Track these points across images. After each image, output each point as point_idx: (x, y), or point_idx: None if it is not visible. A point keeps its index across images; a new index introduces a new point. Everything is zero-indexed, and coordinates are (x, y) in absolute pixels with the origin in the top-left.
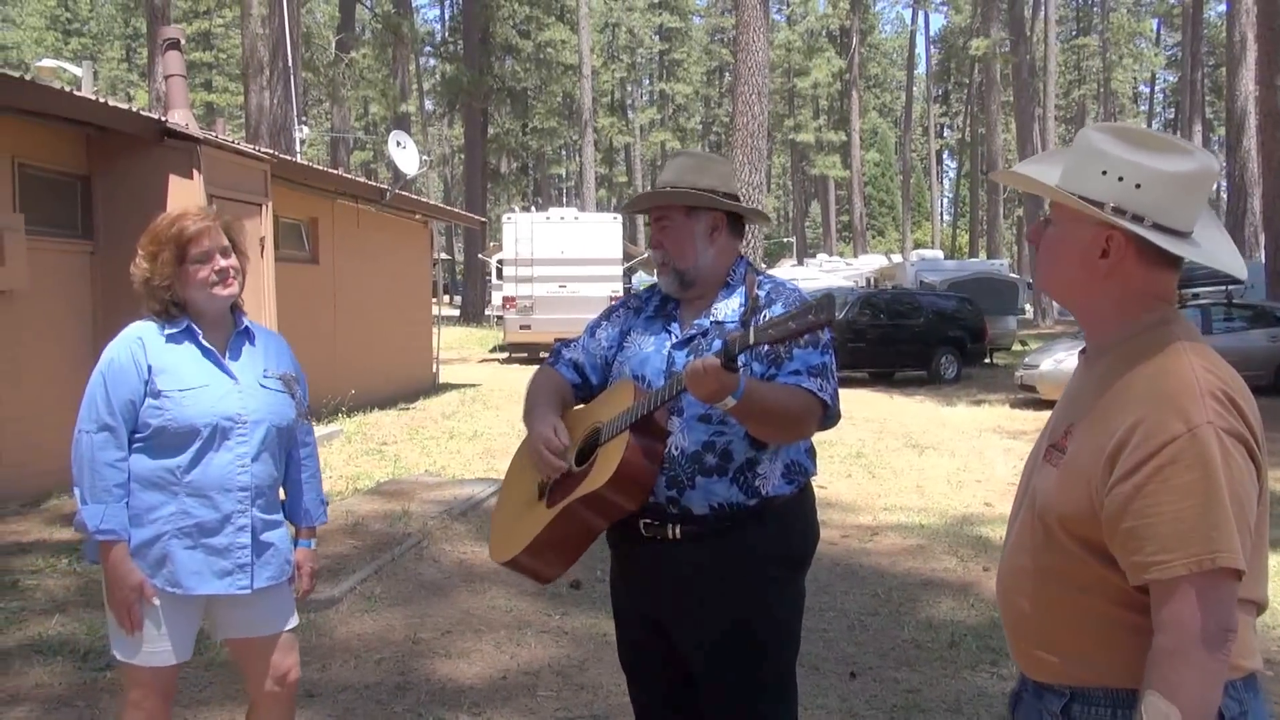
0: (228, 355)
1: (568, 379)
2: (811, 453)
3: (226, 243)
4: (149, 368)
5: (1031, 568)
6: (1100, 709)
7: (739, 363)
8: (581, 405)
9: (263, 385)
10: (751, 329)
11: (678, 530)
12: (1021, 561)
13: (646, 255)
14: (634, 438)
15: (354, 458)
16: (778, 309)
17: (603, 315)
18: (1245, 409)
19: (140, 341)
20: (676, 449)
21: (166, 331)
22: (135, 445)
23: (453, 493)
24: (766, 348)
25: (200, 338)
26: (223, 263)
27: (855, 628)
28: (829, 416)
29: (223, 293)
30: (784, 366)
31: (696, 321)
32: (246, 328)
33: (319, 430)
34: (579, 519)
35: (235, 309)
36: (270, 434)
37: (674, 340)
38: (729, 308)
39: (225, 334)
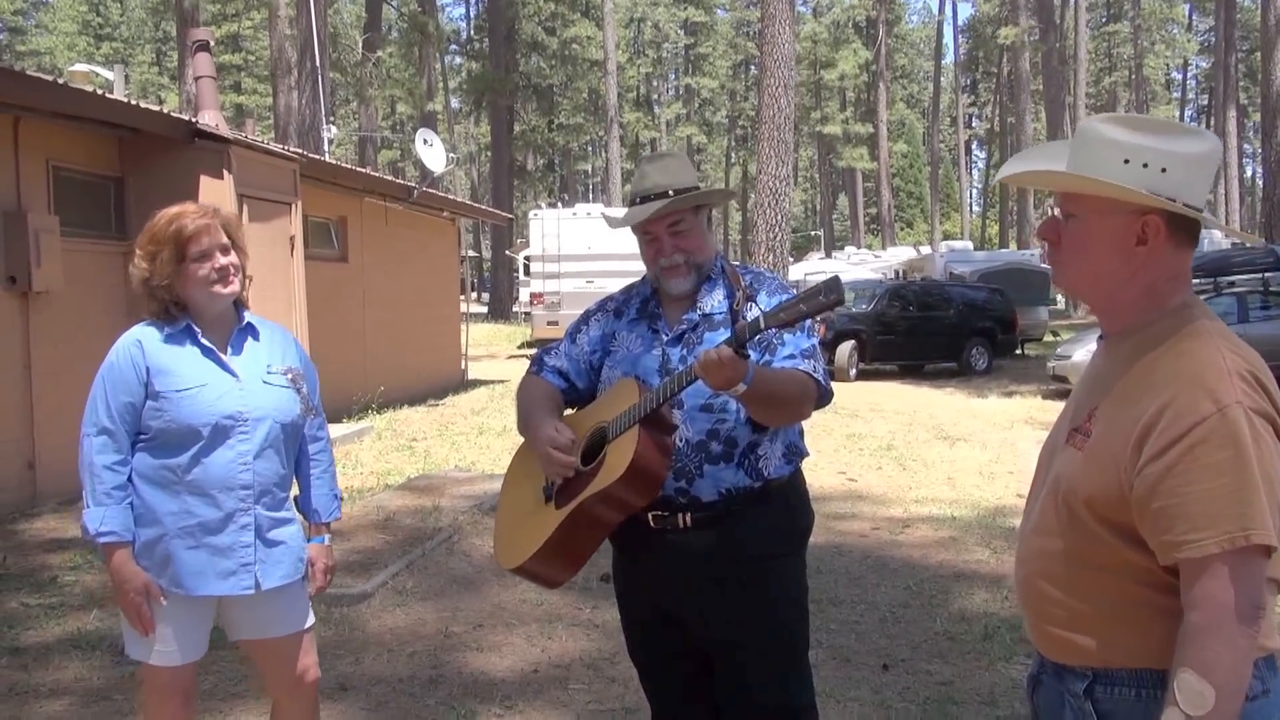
0: (229, 352)
1: (555, 384)
2: (802, 434)
3: (226, 240)
4: (147, 369)
5: (1055, 550)
6: (1124, 689)
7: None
8: (573, 410)
9: (266, 382)
10: (762, 315)
11: (688, 519)
12: (1044, 544)
13: None
14: (644, 432)
15: (384, 454)
16: (762, 296)
17: (581, 320)
18: (1270, 389)
19: (139, 344)
20: (681, 440)
21: (165, 332)
22: (139, 445)
23: (483, 487)
24: (758, 335)
25: (199, 336)
26: (222, 260)
27: (887, 620)
28: (821, 396)
29: (223, 291)
30: (777, 352)
31: (685, 316)
32: (249, 324)
33: (351, 427)
34: (591, 517)
35: (238, 305)
36: (274, 431)
37: (666, 338)
38: (713, 301)
39: (227, 331)
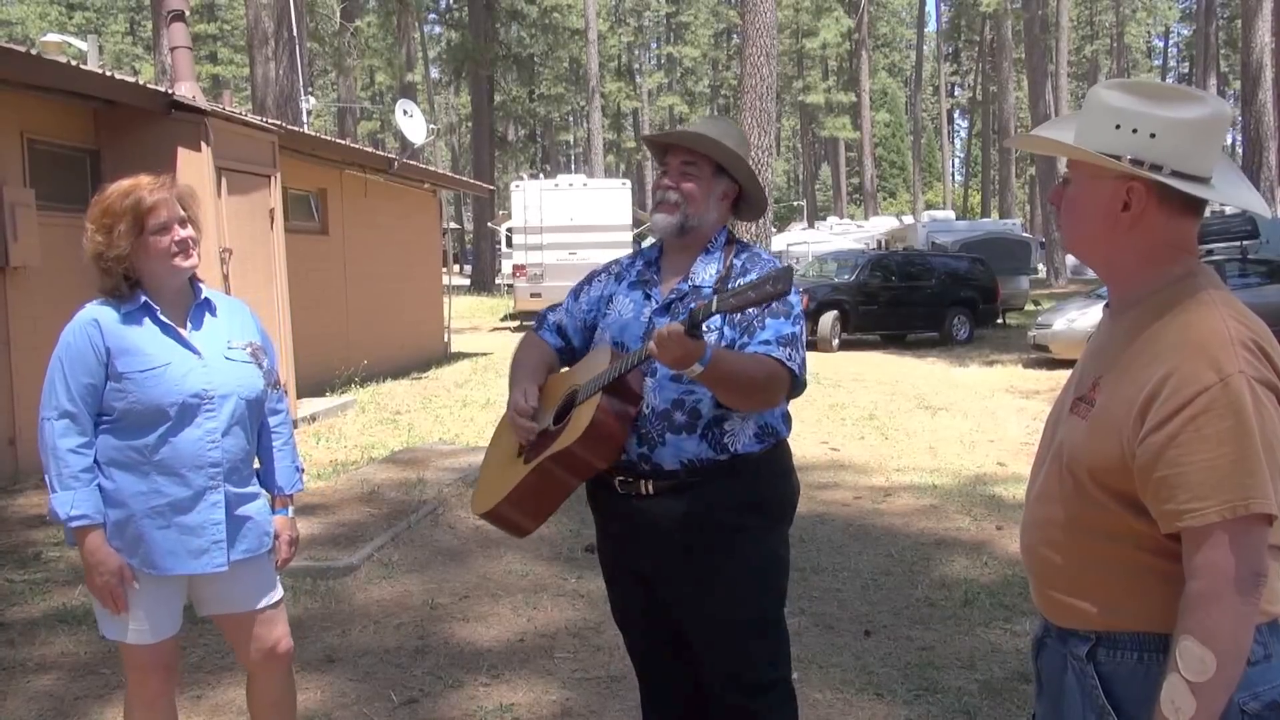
0: (189, 329)
1: (551, 344)
2: (786, 418)
3: (183, 213)
4: (107, 350)
5: (1059, 517)
6: (1126, 653)
7: (704, 329)
8: (566, 369)
9: (228, 358)
10: (715, 298)
11: (650, 486)
12: (1048, 511)
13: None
14: (605, 399)
15: (368, 427)
16: (751, 278)
17: (585, 280)
18: (1275, 358)
19: (96, 324)
20: (647, 407)
21: (123, 310)
22: (103, 426)
23: (467, 460)
24: (739, 315)
25: (158, 314)
26: (182, 233)
27: (869, 587)
28: (794, 386)
29: (184, 264)
30: (755, 335)
31: (676, 286)
32: (206, 299)
33: (334, 400)
34: (552, 475)
35: (194, 280)
36: (239, 407)
37: (655, 306)
38: (707, 273)
39: (184, 307)
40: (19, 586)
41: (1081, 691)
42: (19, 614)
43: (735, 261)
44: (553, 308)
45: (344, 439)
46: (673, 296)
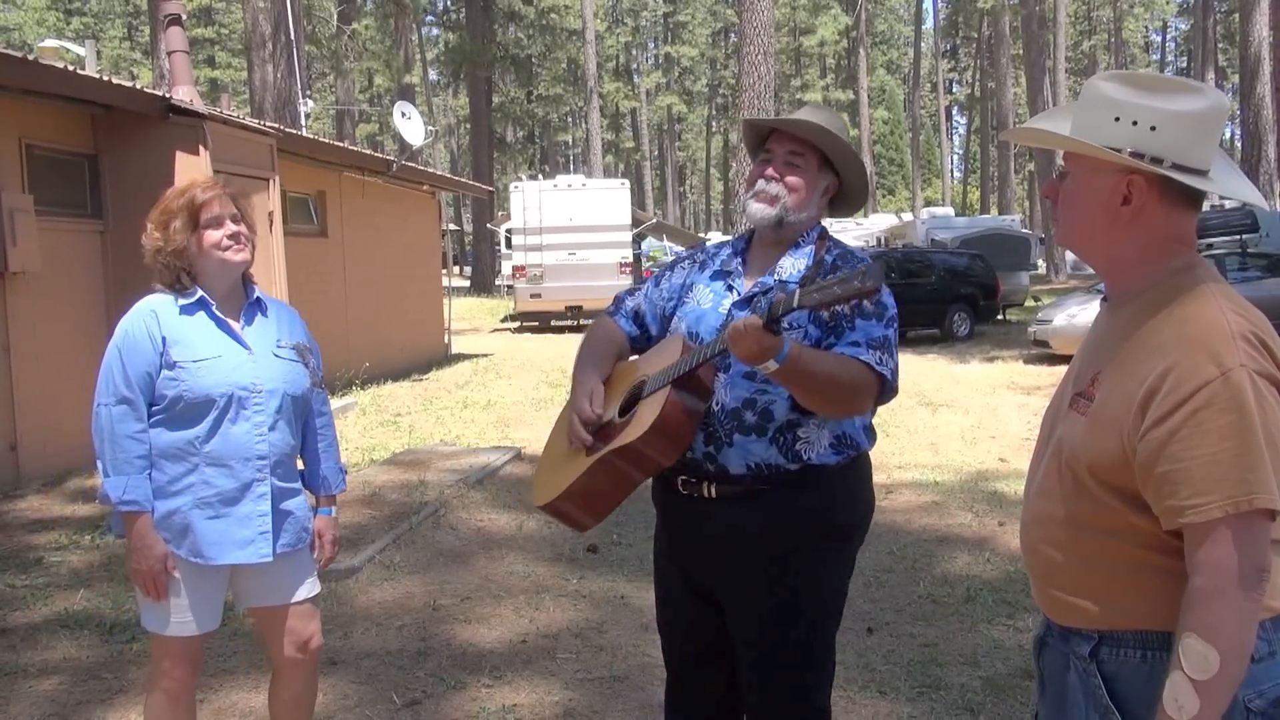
0: (241, 325)
1: (625, 330)
2: (869, 429)
3: (235, 210)
4: (163, 339)
5: (1059, 515)
6: (1129, 651)
7: (783, 325)
8: (636, 357)
9: (276, 355)
10: (798, 292)
11: (713, 489)
12: (1048, 509)
13: (655, 221)
14: (674, 393)
15: (369, 429)
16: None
17: (668, 266)
18: (1275, 351)
19: (154, 314)
20: (717, 404)
21: (180, 303)
22: (154, 417)
23: (468, 461)
24: (826, 314)
25: (213, 309)
26: (234, 227)
27: (872, 584)
28: (884, 392)
29: (235, 257)
30: (844, 336)
31: (761, 279)
32: (259, 299)
33: (335, 403)
34: (614, 470)
35: (247, 280)
36: (285, 403)
37: (736, 298)
38: (795, 267)
39: (238, 305)
40: (21, 591)
41: (1084, 691)
42: (21, 619)
43: (826, 258)
44: (630, 292)
45: (345, 441)
46: (756, 290)
